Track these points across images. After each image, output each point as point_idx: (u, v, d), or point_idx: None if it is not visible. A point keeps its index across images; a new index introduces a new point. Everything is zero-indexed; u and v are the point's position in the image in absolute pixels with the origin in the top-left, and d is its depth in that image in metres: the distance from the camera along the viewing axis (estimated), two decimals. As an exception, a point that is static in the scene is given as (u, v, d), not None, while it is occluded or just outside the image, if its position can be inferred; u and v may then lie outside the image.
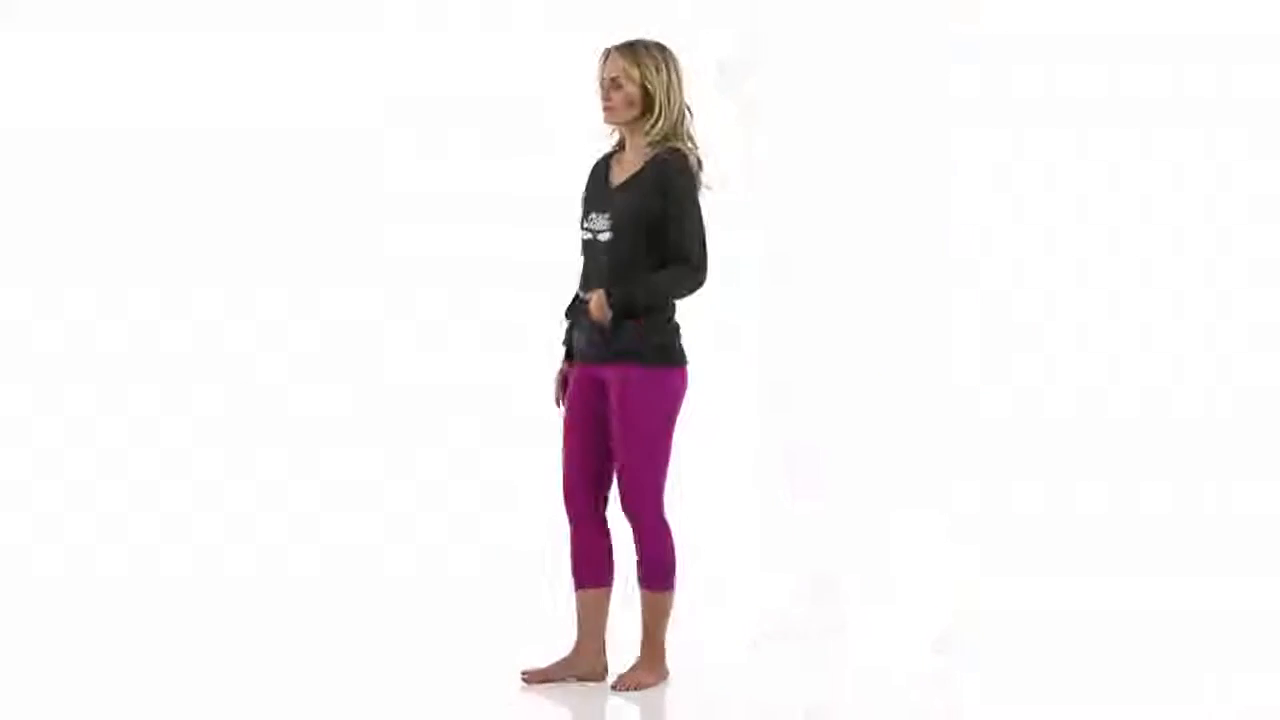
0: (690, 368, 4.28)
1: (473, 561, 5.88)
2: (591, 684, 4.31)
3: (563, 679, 4.35)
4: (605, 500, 4.37)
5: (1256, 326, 6.56)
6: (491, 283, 6.61)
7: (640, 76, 4.18)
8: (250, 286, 6.71)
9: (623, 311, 4.16)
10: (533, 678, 4.37)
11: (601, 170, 4.31)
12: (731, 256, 6.58)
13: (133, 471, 6.45)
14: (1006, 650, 4.79)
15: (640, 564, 4.28)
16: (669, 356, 4.23)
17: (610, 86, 4.20)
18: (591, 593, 4.35)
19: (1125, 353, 6.62)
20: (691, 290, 4.20)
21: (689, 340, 4.31)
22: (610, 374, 4.24)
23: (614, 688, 4.27)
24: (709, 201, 4.23)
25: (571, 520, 4.35)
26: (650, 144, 4.20)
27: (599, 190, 4.28)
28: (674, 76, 4.20)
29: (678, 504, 4.33)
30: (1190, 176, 6.61)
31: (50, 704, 4.22)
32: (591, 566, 4.35)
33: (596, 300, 4.17)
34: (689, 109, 4.24)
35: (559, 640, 4.57)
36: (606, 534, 4.37)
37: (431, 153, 6.73)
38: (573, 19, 6.22)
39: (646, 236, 4.18)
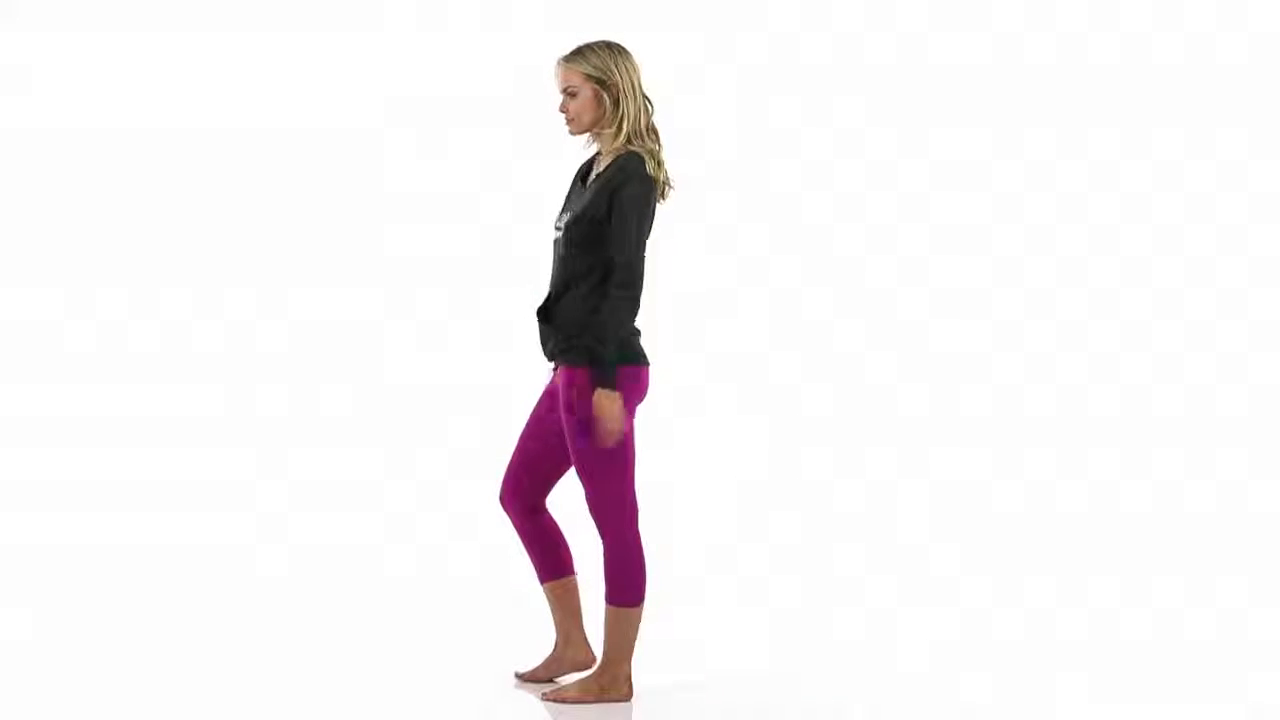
0: (649, 370, 4.12)
1: (472, 561, 5.87)
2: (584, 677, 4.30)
3: (553, 677, 4.35)
4: (541, 498, 4.30)
5: (1257, 326, 6.58)
6: (491, 283, 6.61)
7: (595, 78, 4.08)
8: (250, 286, 6.71)
9: (606, 377, 3.99)
10: (526, 678, 4.37)
11: (584, 171, 4.26)
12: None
13: (131, 471, 6.45)
14: (1006, 650, 4.79)
15: (605, 574, 4.18)
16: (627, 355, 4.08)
17: (567, 97, 4.12)
18: (548, 586, 4.33)
19: (1115, 353, 6.64)
20: (631, 310, 4.04)
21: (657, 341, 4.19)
22: (560, 376, 4.17)
23: (543, 696, 4.23)
24: (672, 202, 4.16)
25: (510, 520, 4.33)
26: (622, 143, 4.10)
27: (574, 190, 4.24)
28: (629, 73, 4.10)
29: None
30: (1189, 176, 6.62)
31: (51, 703, 4.22)
32: (541, 561, 4.32)
33: (604, 416, 4.00)
34: (648, 101, 4.14)
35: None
36: (548, 528, 4.32)
37: (431, 153, 6.73)
38: (573, 19, 6.22)
39: (590, 237, 4.07)
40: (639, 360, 4.12)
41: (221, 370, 6.65)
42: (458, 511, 6.30)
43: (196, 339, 6.67)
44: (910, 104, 6.68)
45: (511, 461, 4.32)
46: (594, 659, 4.34)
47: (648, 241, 4.11)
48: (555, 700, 4.19)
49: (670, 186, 4.15)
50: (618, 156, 4.11)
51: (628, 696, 4.19)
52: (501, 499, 4.34)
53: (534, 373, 4.34)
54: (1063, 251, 6.66)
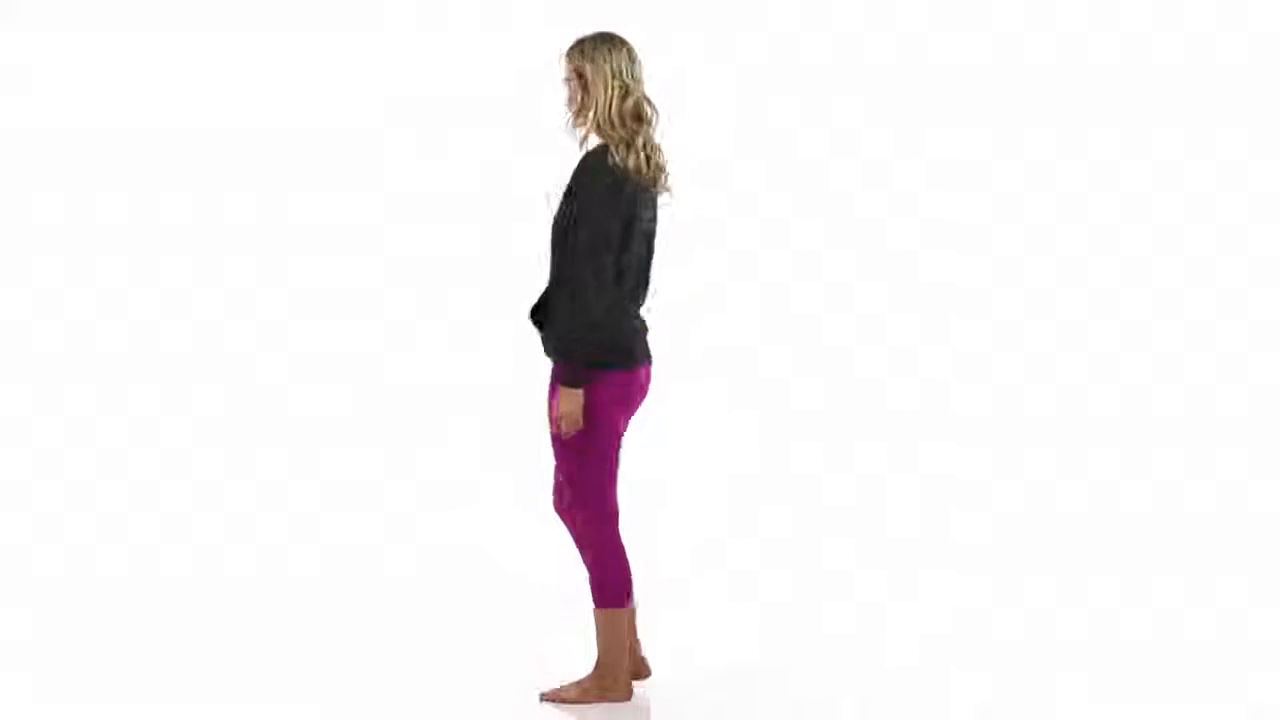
0: (644, 370, 4.10)
1: (472, 562, 5.87)
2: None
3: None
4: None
5: (1257, 326, 6.58)
6: (492, 283, 6.61)
7: (574, 71, 4.03)
8: (250, 287, 6.72)
9: (571, 375, 3.97)
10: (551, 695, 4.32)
11: None
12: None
13: (132, 471, 6.45)
14: (1006, 650, 4.79)
15: (588, 579, 4.17)
16: (596, 357, 4.01)
17: (566, 89, 4.10)
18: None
19: (1115, 353, 6.64)
20: (596, 302, 3.93)
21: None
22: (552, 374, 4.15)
23: (542, 696, 4.22)
24: (670, 206, 4.13)
25: (566, 527, 4.27)
26: (591, 132, 4.05)
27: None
28: (603, 61, 4.01)
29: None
30: (1189, 176, 6.62)
31: (51, 703, 4.22)
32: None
33: (560, 411, 4.00)
34: (627, 88, 4.02)
35: (557, 642, 4.57)
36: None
37: (431, 153, 6.74)
38: (573, 18, 6.21)
39: (560, 238, 4.03)
40: (625, 362, 4.07)
41: (221, 370, 6.65)
42: (458, 512, 6.30)
43: (195, 339, 6.67)
44: (910, 104, 6.68)
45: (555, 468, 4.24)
46: (647, 671, 4.31)
47: (638, 229, 4.02)
48: (555, 701, 4.19)
49: (663, 171, 4.06)
50: (588, 151, 4.07)
51: (628, 697, 4.19)
52: (555, 507, 4.26)
53: (534, 373, 4.34)
54: (1063, 251, 6.66)
